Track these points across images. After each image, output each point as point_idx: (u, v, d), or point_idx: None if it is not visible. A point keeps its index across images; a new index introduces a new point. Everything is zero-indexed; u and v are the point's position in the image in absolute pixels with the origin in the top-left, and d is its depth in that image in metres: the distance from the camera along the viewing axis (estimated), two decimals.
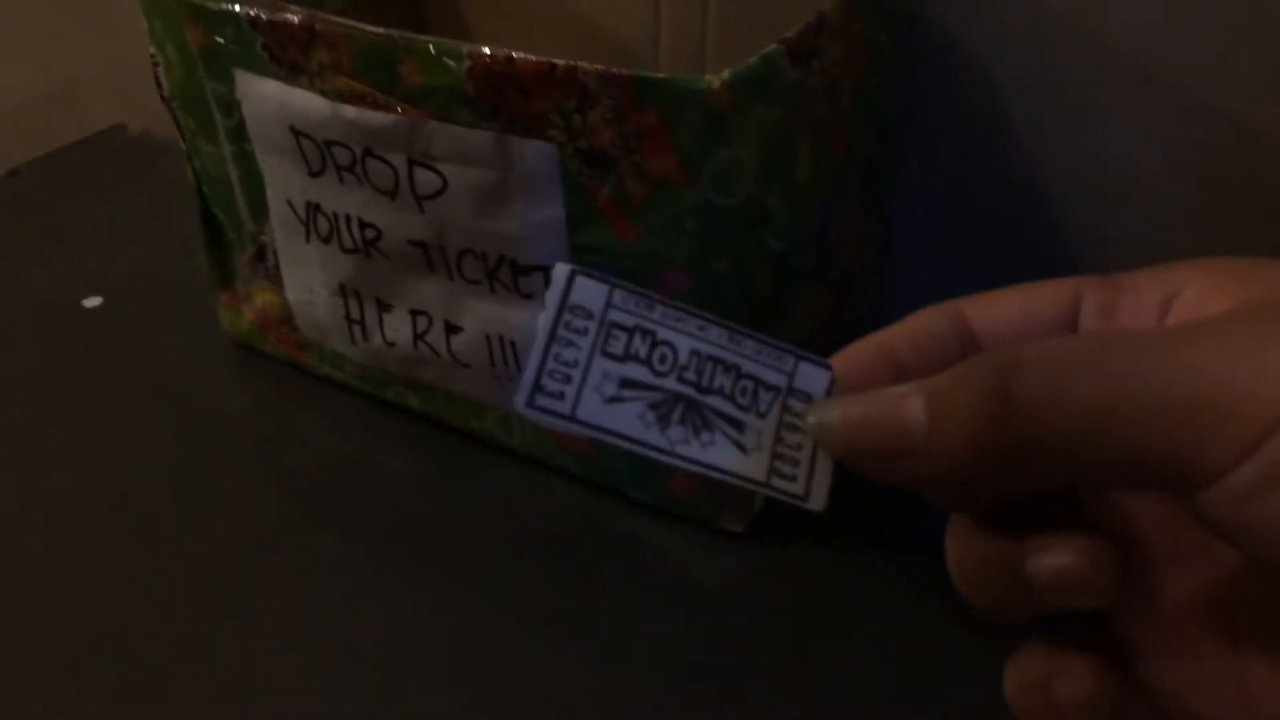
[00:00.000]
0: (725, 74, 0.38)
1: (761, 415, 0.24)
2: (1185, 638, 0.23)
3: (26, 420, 0.56)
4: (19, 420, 0.56)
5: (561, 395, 0.23)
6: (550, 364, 0.23)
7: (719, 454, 0.23)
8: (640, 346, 0.24)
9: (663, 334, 0.24)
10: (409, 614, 0.45)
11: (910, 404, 0.21)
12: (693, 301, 0.42)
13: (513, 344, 0.48)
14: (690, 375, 0.24)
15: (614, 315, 0.24)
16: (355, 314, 0.52)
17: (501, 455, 0.52)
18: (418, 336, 0.50)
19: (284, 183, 0.50)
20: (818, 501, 0.24)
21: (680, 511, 0.49)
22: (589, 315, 0.23)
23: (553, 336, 0.23)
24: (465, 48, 0.40)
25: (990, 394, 0.20)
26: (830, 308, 0.50)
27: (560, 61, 0.39)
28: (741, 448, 0.23)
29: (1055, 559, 0.21)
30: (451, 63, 0.41)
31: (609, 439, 0.23)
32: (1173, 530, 0.23)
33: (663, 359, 0.24)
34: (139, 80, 0.51)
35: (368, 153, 0.45)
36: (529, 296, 0.46)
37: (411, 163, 0.44)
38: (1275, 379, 0.18)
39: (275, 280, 0.55)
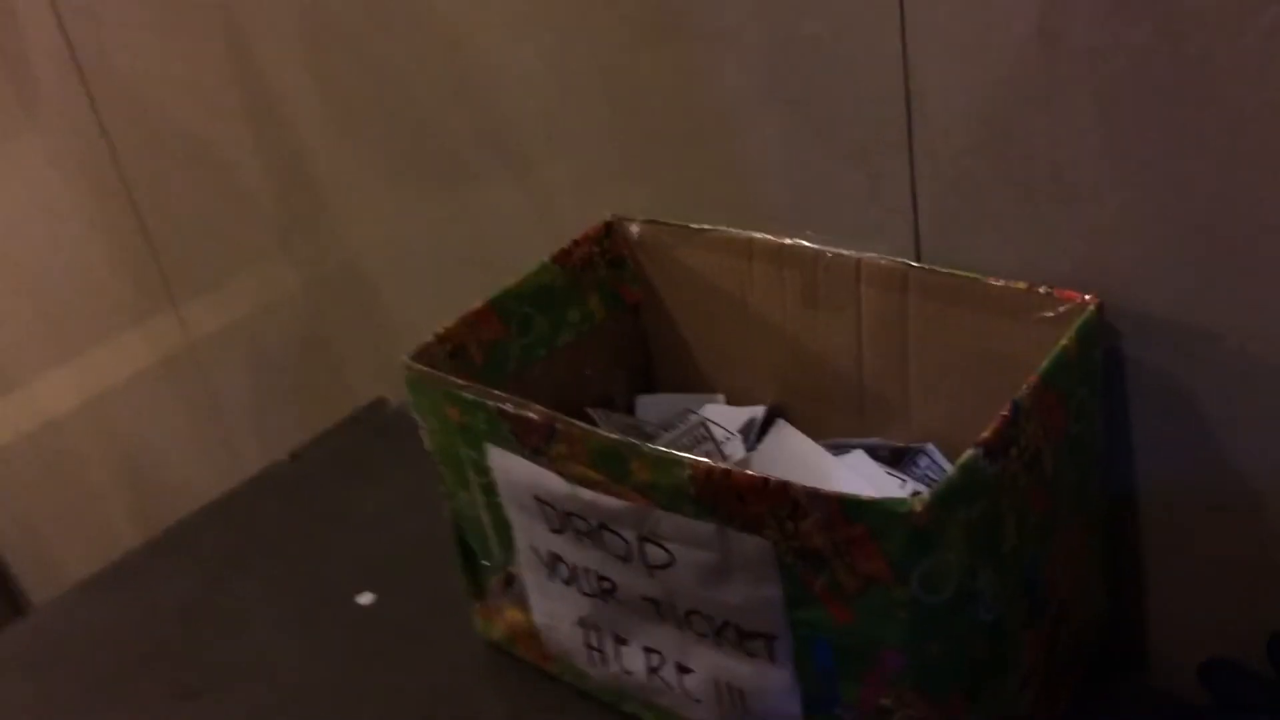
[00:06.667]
0: (926, 495, 0.40)
1: None
2: None
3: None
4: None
5: None
6: None
7: None
8: None
9: None
10: None
11: None
12: (910, 678, 0.45)
13: (741, 692, 0.51)
14: None
15: None
16: (594, 643, 0.57)
17: None
18: (652, 670, 0.55)
19: (529, 533, 0.56)
20: None
21: None
22: None
23: None
24: (688, 458, 0.45)
25: None
26: (1046, 642, 0.51)
27: (773, 478, 0.43)
28: None
29: None
30: (676, 469, 0.45)
31: None
32: None
33: None
34: (395, 354, 0.58)
35: (602, 526, 0.50)
36: (753, 655, 0.49)
37: (642, 539, 0.49)
38: None
39: (522, 604, 0.60)
